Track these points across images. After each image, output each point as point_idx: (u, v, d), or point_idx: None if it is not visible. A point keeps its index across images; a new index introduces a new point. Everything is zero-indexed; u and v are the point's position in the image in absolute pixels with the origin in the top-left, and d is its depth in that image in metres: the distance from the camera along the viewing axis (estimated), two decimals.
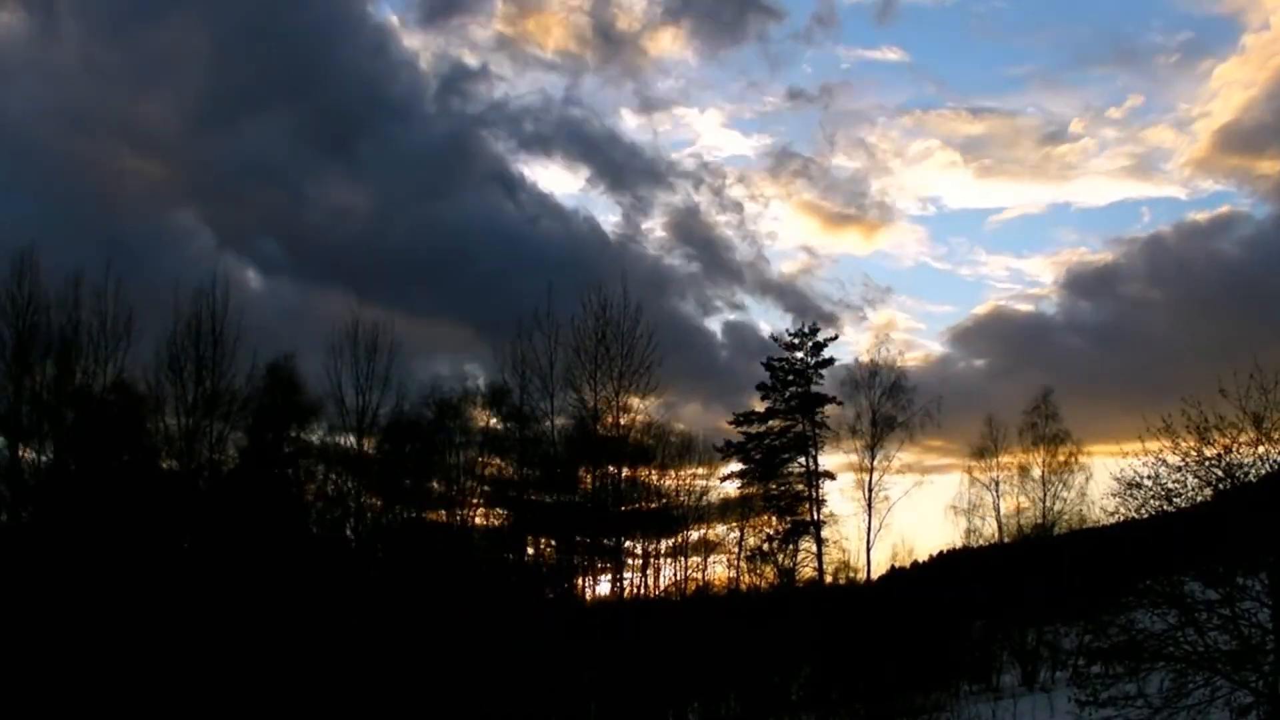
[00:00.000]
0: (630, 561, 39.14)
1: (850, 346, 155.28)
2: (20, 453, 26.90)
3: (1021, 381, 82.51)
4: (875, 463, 42.83)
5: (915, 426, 43.08)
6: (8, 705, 23.53)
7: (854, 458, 43.33)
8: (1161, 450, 15.63)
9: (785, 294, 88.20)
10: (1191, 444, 15.34)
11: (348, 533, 33.62)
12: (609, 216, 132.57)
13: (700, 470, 42.01)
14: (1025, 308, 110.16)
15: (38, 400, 26.97)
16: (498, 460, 36.44)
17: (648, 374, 34.26)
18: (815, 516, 43.29)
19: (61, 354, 27.15)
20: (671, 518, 40.33)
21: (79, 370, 27.31)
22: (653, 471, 38.49)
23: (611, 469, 35.26)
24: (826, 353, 44.77)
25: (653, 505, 38.57)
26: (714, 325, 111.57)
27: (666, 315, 55.91)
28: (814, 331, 44.95)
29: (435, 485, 35.33)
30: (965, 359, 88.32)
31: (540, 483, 35.98)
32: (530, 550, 37.39)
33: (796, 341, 44.97)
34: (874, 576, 44.87)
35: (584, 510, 34.92)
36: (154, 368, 28.79)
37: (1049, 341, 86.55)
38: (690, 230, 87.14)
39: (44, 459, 27.33)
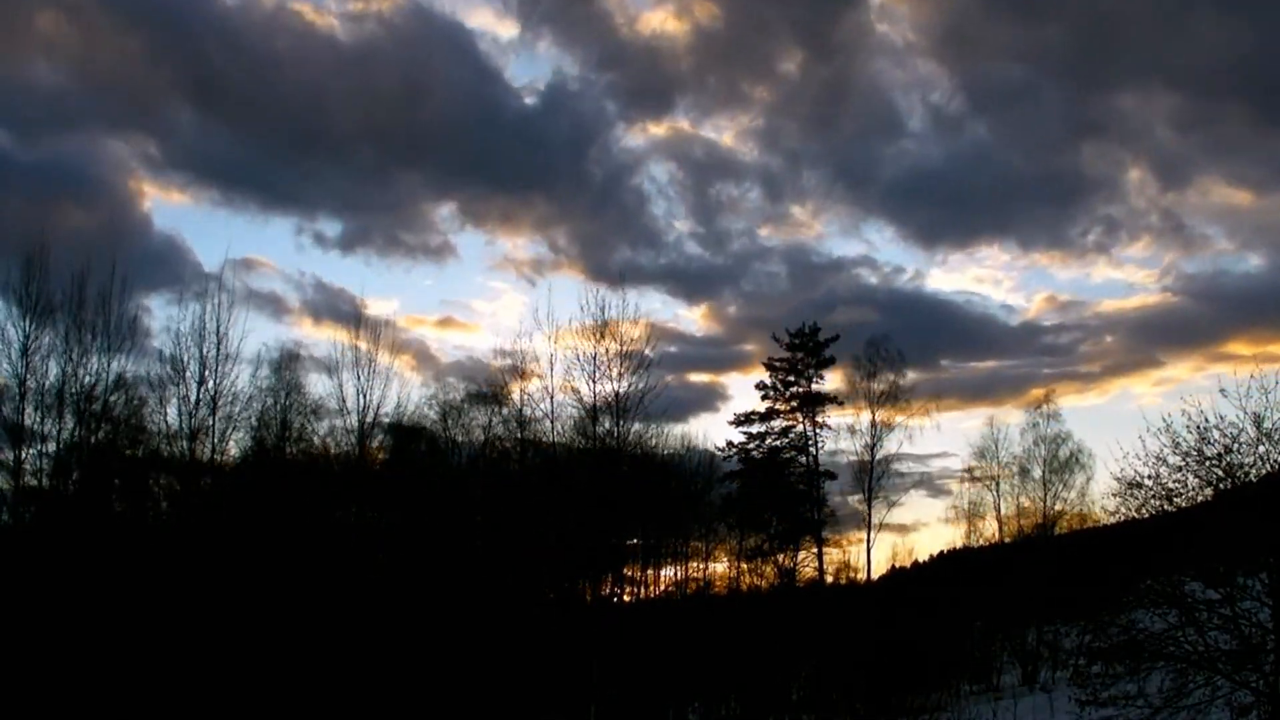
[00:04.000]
0: (631, 562, 39.25)
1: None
2: (23, 453, 26.99)
3: None
4: (875, 462, 43.01)
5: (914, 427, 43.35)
6: (8, 705, 23.59)
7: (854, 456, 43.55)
8: (1162, 450, 15.71)
9: None
10: (1192, 444, 15.41)
11: (348, 534, 33.64)
12: None
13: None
14: None
15: (41, 400, 27.06)
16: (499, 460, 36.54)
17: (646, 374, 34.44)
18: (816, 516, 43.38)
19: (65, 353, 27.27)
20: (673, 517, 40.39)
21: (82, 370, 27.41)
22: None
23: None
24: (827, 353, 44.97)
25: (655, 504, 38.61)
26: None
27: None
28: (815, 331, 45.07)
29: (436, 486, 35.40)
30: None
31: (541, 483, 36.00)
32: (531, 550, 37.42)
33: (798, 341, 45.07)
34: (874, 576, 45.04)
35: (585, 510, 34.93)
36: (157, 366, 29.03)
37: None
38: None
39: (47, 459, 27.42)
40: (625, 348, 34.32)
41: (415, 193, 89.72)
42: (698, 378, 75.15)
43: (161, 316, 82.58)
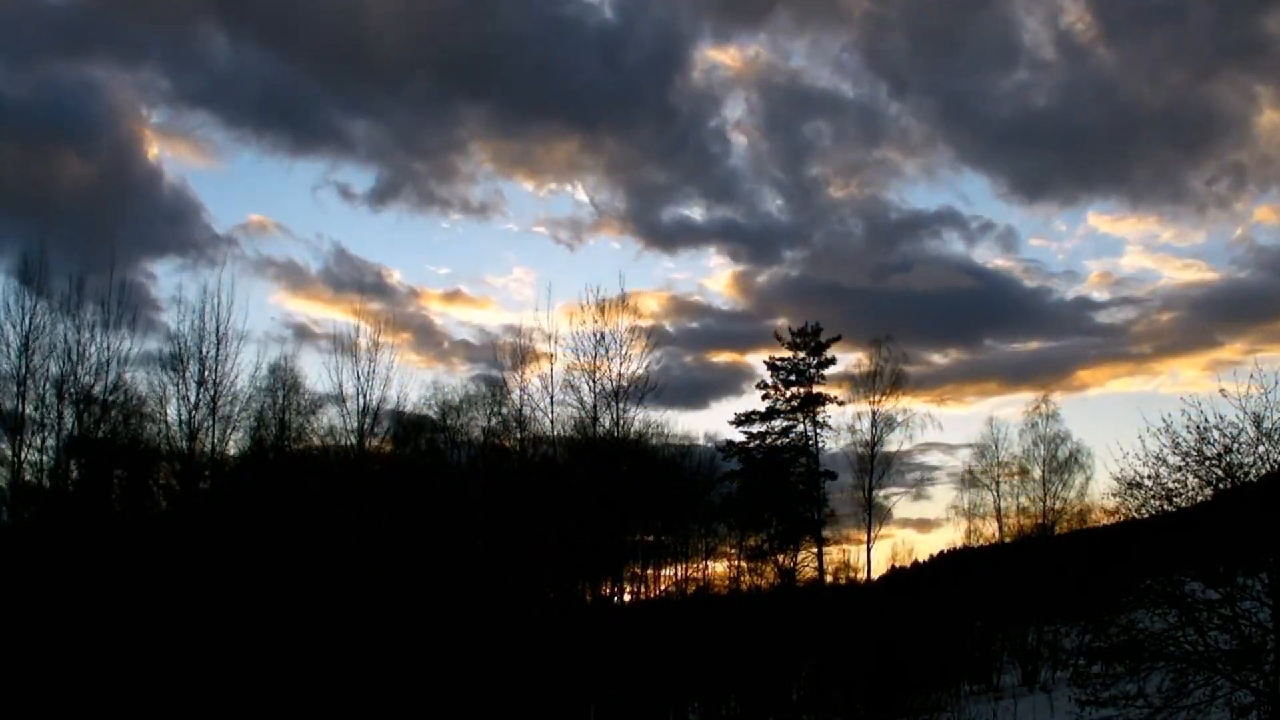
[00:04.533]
0: (631, 561, 39.22)
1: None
2: (23, 450, 27.01)
3: None
4: (876, 461, 43.00)
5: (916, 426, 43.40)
6: (8, 705, 23.58)
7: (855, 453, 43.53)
8: (1162, 450, 15.70)
9: None
10: (1192, 444, 15.40)
11: (347, 533, 33.64)
12: None
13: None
14: None
15: (41, 400, 27.09)
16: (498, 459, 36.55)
17: (646, 372, 34.36)
18: (816, 516, 43.37)
19: (64, 354, 27.30)
20: (673, 517, 40.39)
21: (81, 368, 27.44)
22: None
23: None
24: (828, 352, 44.98)
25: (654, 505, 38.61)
26: None
27: None
28: (816, 332, 45.05)
29: (436, 485, 35.39)
30: None
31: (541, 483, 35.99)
32: (531, 550, 37.43)
33: (799, 341, 45.06)
34: (874, 576, 45.02)
35: (585, 509, 34.92)
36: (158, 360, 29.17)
37: None
38: None
39: (47, 459, 27.45)
40: (635, 325, 34.19)
41: (461, 127, 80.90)
42: (719, 358, 71.56)
43: (167, 285, 78.65)
